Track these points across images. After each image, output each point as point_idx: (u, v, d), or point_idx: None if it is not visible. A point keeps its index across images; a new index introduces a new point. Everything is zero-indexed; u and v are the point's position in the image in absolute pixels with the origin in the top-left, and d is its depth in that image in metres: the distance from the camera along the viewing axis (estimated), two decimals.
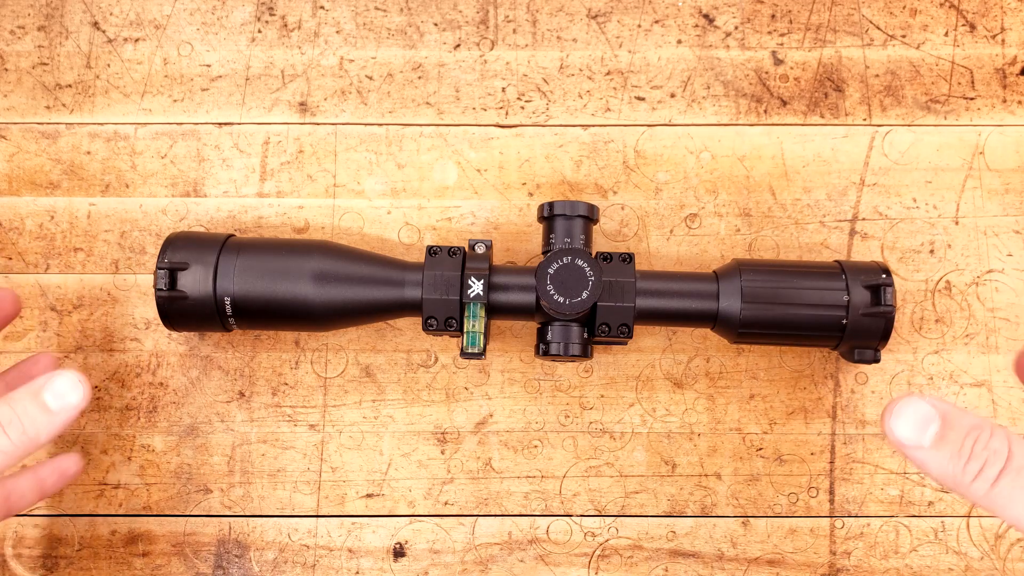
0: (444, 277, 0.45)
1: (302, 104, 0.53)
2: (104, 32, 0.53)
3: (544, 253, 0.47)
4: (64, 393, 0.36)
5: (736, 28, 0.53)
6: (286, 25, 0.53)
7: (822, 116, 0.52)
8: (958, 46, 0.53)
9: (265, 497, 0.50)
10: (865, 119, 0.52)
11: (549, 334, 0.46)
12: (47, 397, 0.35)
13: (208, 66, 0.53)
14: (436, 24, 0.53)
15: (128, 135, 0.52)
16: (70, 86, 0.53)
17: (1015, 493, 0.30)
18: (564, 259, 0.44)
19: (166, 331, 0.51)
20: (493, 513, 0.50)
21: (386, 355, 0.51)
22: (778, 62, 0.53)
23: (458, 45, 0.53)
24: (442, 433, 0.50)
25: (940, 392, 0.50)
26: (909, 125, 0.52)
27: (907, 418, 0.31)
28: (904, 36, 0.53)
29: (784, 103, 0.53)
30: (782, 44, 0.53)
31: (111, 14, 0.53)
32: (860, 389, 0.50)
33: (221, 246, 0.45)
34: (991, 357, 0.50)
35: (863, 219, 0.52)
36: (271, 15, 0.53)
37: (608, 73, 0.53)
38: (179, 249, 0.45)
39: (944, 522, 0.49)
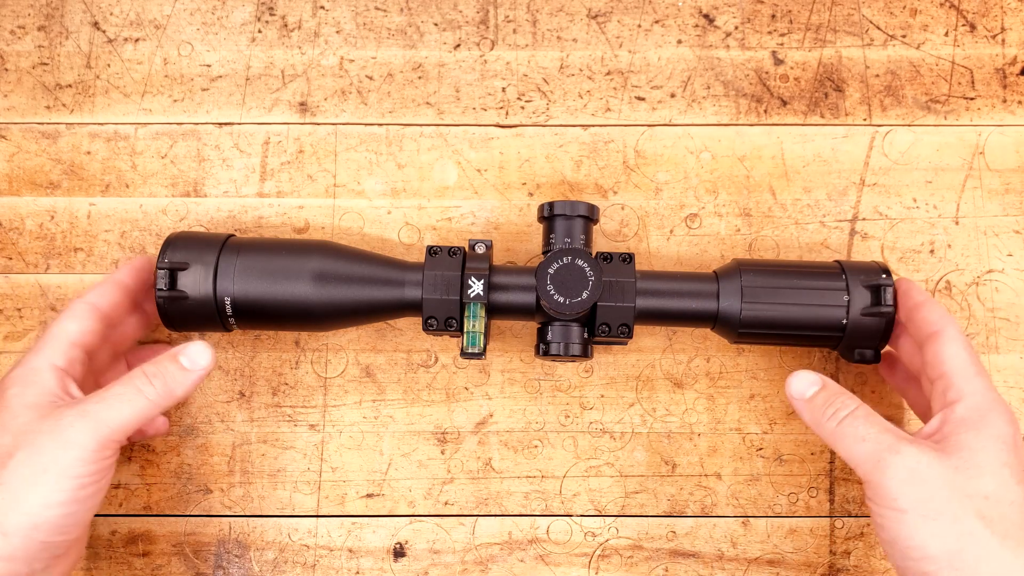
0: (444, 277, 0.45)
1: (302, 104, 0.53)
2: (104, 32, 0.53)
3: (544, 253, 0.47)
4: (197, 357, 0.42)
5: (736, 28, 0.53)
6: (286, 25, 0.53)
7: (822, 116, 0.52)
8: (958, 46, 0.53)
9: (265, 497, 0.50)
10: (865, 119, 0.52)
11: (549, 334, 0.46)
12: (183, 360, 0.42)
13: (208, 66, 0.53)
14: (436, 24, 0.53)
15: (128, 135, 0.52)
16: (70, 86, 0.53)
17: (848, 430, 0.41)
18: (564, 259, 0.44)
19: (166, 331, 0.51)
20: (493, 513, 0.50)
21: (386, 355, 0.51)
22: (778, 62, 0.53)
23: (458, 45, 0.53)
24: (442, 433, 0.50)
25: None
26: (909, 125, 0.52)
27: (799, 380, 0.43)
28: (904, 36, 0.53)
29: (784, 103, 0.53)
30: (782, 44, 0.53)
31: (111, 14, 0.53)
32: (860, 389, 0.50)
33: (221, 246, 0.45)
34: (991, 357, 0.50)
35: (863, 219, 0.52)
36: (271, 15, 0.53)
37: (608, 73, 0.53)
38: (179, 249, 0.45)
39: None
